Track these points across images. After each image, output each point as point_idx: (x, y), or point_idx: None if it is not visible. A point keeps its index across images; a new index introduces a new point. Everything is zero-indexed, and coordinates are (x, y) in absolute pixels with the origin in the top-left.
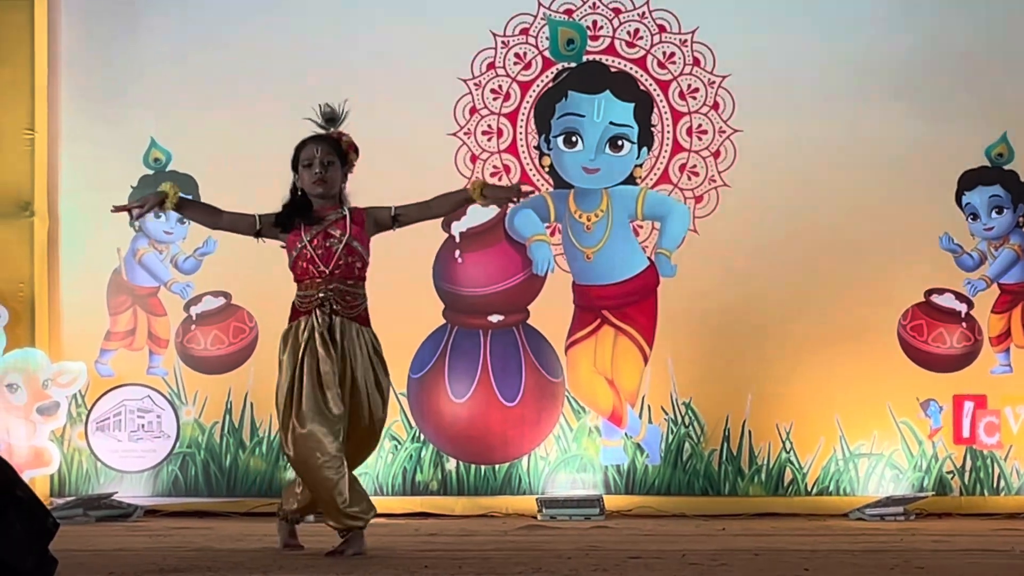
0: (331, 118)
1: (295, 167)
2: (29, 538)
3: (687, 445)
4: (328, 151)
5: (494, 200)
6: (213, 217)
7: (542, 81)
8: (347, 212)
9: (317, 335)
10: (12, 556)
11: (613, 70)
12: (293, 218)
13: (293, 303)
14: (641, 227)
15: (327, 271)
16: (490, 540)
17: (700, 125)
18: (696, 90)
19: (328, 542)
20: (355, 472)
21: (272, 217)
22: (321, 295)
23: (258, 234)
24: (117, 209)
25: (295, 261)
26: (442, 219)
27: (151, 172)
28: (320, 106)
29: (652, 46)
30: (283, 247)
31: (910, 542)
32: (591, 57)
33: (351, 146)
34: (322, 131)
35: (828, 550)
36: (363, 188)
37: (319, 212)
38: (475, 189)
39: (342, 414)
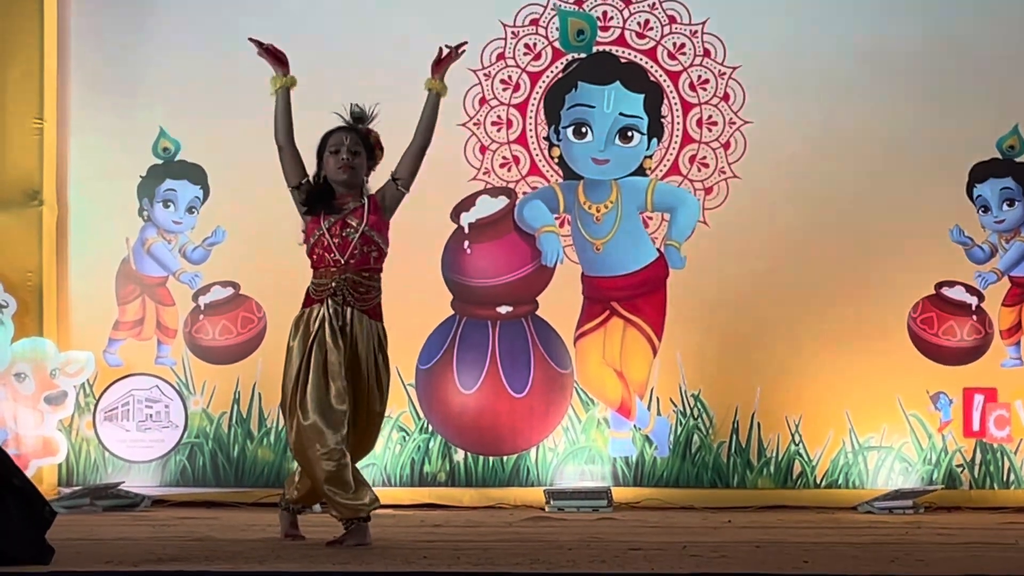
0: (359, 117)
1: (320, 154)
2: (26, 527)
3: (696, 437)
4: (356, 141)
5: (445, 70)
6: (286, 134)
7: (552, 72)
8: (365, 201)
9: (327, 325)
10: (9, 545)
11: (623, 61)
12: (317, 204)
13: (308, 289)
14: (651, 218)
15: (343, 260)
16: (494, 531)
17: (710, 116)
18: (706, 81)
19: (330, 532)
20: (361, 463)
21: (305, 192)
22: (334, 284)
23: (296, 188)
24: (254, 40)
25: (312, 248)
26: (451, 211)
27: (160, 162)
28: (350, 105)
29: (662, 37)
30: (303, 235)
31: (915, 535)
32: (601, 48)
33: (378, 143)
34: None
35: (831, 543)
36: (375, 180)
37: (339, 201)
38: (428, 85)
39: (346, 407)
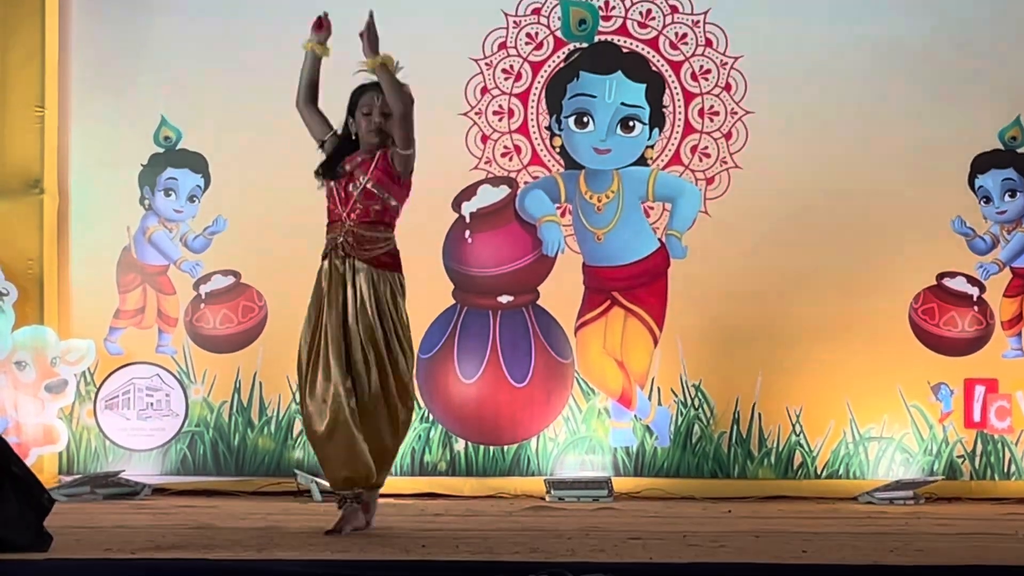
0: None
1: (352, 111)
2: (24, 514)
3: (696, 427)
4: (386, 102)
5: (368, 44)
6: (305, 100)
7: (554, 61)
8: (375, 156)
9: (329, 279)
10: (8, 532)
11: (625, 51)
12: (334, 163)
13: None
14: (652, 208)
15: (343, 214)
16: (493, 521)
17: (712, 106)
18: (708, 71)
19: (329, 520)
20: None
21: (330, 148)
22: (340, 239)
23: (321, 145)
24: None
25: (327, 202)
26: (452, 201)
27: (161, 150)
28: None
29: (664, 27)
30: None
31: (915, 526)
32: (603, 37)
33: (409, 97)
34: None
35: (831, 533)
36: None
37: (352, 157)
38: (371, 64)
39: (344, 374)
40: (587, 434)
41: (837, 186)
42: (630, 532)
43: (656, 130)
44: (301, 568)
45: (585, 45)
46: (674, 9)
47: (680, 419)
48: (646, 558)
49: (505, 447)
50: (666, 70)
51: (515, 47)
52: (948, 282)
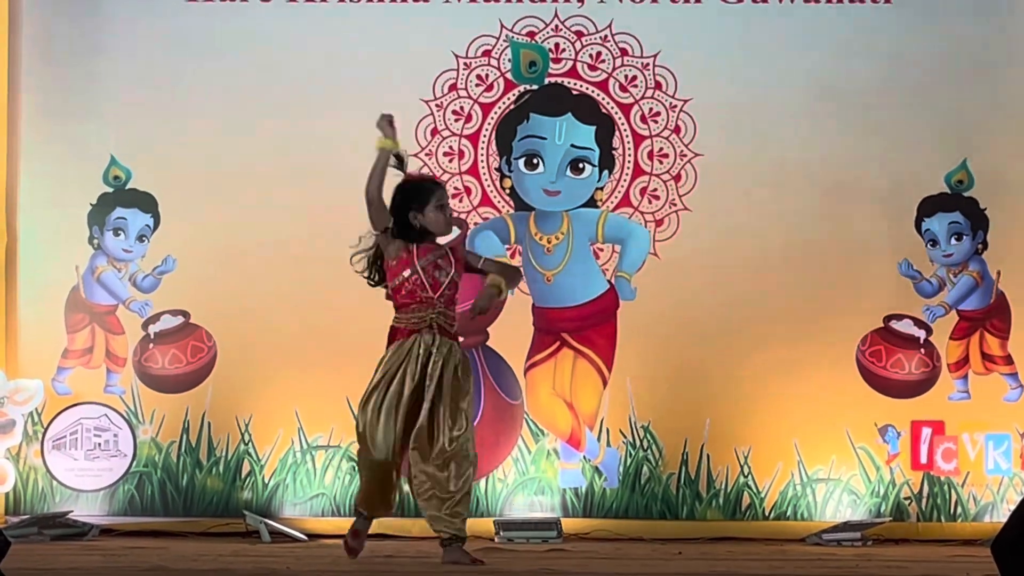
0: (401, 161)
1: (414, 203)
2: None
3: (645, 468)
4: None
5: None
6: (380, 190)
7: (504, 103)
8: (448, 248)
9: (418, 352)
10: None
11: (575, 93)
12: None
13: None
14: (601, 250)
15: (435, 297)
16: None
17: (661, 149)
18: (658, 114)
19: (280, 560)
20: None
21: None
22: (430, 319)
23: (385, 232)
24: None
25: (406, 283)
26: None
27: (111, 190)
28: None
29: (614, 69)
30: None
31: (865, 568)
32: (553, 80)
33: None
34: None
35: (783, 575)
36: (325, 208)
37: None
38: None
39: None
40: (536, 475)
41: (785, 228)
42: (582, 574)
43: (606, 172)
44: None
45: (535, 87)
46: (624, 52)
47: (629, 460)
48: None
49: None
50: (616, 112)
51: (465, 89)
52: (895, 324)
